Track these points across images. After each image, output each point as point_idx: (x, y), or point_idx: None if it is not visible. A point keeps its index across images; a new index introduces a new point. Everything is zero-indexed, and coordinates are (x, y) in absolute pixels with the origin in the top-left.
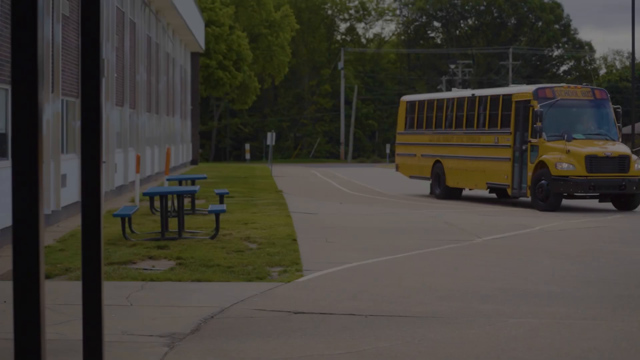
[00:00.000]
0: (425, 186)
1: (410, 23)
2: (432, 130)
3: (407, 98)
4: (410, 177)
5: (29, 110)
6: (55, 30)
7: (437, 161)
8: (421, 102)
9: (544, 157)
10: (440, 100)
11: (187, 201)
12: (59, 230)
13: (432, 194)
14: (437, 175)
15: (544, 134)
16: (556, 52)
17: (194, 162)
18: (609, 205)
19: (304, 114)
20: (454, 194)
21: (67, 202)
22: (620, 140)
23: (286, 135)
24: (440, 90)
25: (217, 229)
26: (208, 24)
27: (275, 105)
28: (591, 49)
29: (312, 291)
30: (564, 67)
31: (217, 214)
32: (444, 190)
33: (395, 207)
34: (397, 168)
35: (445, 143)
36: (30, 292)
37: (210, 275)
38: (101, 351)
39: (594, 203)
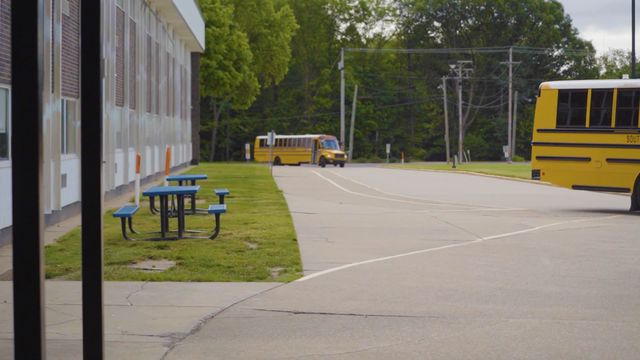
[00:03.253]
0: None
1: (410, 23)
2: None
3: (557, 85)
4: (574, 187)
5: (29, 110)
6: (55, 30)
7: None
8: (599, 92)
9: None
10: None
11: (187, 201)
12: (59, 230)
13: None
14: None
15: None
16: (556, 52)
17: (194, 162)
18: (608, 205)
19: (304, 114)
20: None
21: (67, 202)
22: None
23: (286, 135)
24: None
25: (217, 229)
26: (208, 24)
27: (275, 105)
28: (591, 49)
29: (312, 291)
30: (564, 67)
31: (217, 214)
32: None
33: (395, 207)
34: (539, 174)
35: None
36: (30, 292)
37: (210, 275)
38: (101, 351)
39: (593, 203)
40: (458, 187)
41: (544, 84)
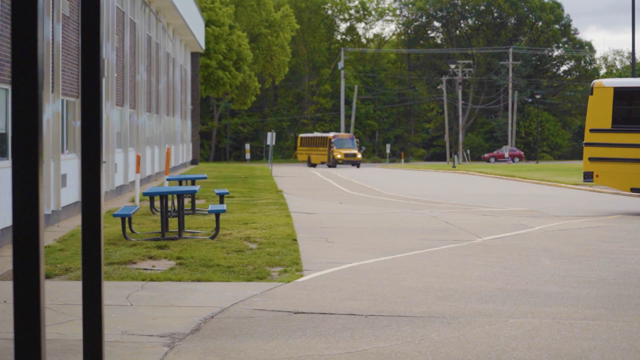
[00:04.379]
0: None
1: (410, 23)
2: None
3: (612, 83)
4: (632, 190)
5: (29, 110)
6: (55, 30)
7: None
8: None
9: None
10: None
11: (187, 201)
12: (59, 230)
13: None
14: None
15: None
16: (556, 52)
17: (194, 162)
18: (608, 205)
19: (304, 114)
20: None
21: (67, 202)
22: None
23: (286, 135)
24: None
25: (217, 229)
26: (208, 24)
27: (275, 105)
28: (591, 49)
29: (312, 291)
30: (564, 67)
31: (217, 214)
32: None
33: (395, 207)
34: (592, 177)
35: None
36: (30, 292)
37: (210, 275)
38: (101, 351)
39: (593, 203)
40: (458, 187)
41: (597, 82)
